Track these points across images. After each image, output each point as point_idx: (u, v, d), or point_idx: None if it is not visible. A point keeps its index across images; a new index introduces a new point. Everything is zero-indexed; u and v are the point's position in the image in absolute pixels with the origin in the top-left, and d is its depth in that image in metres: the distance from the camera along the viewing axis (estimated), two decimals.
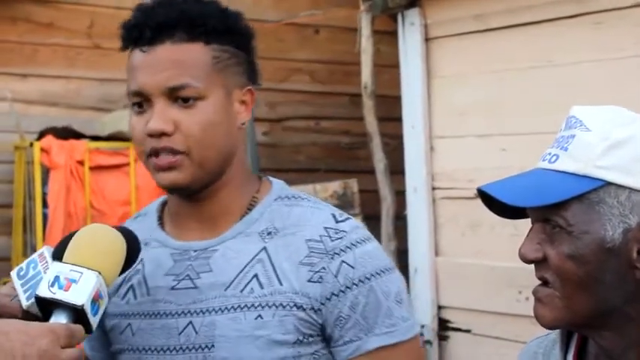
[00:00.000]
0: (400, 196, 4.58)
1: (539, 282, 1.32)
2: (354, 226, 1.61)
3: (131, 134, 1.61)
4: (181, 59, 1.55)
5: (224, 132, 1.58)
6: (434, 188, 4.36)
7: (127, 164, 5.35)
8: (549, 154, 1.30)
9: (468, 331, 4.24)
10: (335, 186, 4.91)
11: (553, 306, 1.27)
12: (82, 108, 5.82)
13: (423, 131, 4.34)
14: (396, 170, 4.63)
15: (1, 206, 5.54)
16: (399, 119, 4.58)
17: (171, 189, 1.59)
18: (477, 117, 4.18)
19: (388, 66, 5.21)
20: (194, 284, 1.59)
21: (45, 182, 5.21)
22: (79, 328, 1.34)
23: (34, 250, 5.16)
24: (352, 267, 1.56)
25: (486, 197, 1.32)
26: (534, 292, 1.30)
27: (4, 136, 5.51)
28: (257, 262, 1.58)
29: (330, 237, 1.58)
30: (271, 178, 1.70)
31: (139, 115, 1.58)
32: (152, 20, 1.56)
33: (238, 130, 1.62)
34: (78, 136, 5.36)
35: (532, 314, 1.31)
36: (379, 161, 4.61)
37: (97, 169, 5.28)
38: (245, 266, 1.58)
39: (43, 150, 5.17)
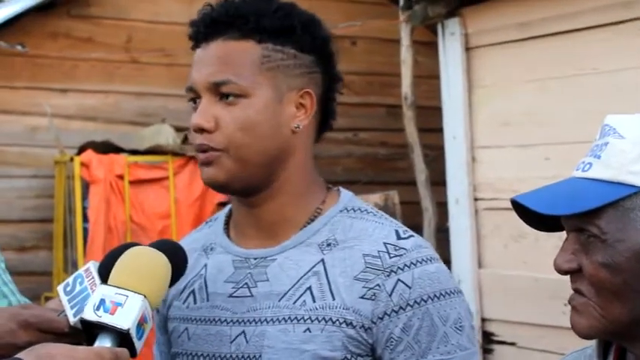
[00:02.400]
0: (442, 207, 4.54)
1: None
2: (417, 244, 1.54)
3: None
4: (227, 55, 1.54)
5: (267, 133, 1.54)
6: (476, 199, 4.31)
7: (166, 178, 5.36)
8: (583, 162, 1.27)
9: (512, 344, 4.18)
10: (376, 198, 4.86)
11: (589, 315, 1.24)
12: (120, 122, 5.85)
13: (464, 142, 4.30)
14: (437, 181, 4.59)
15: (41, 221, 5.58)
16: (437, 130, 4.53)
17: (212, 185, 1.58)
18: (519, 126, 4.13)
19: (426, 77, 5.18)
20: (250, 293, 1.57)
21: (85, 196, 5.24)
22: (124, 351, 1.33)
23: (74, 264, 5.18)
24: (409, 287, 1.50)
25: (520, 209, 1.29)
26: (570, 300, 1.27)
27: (44, 151, 5.55)
28: (313, 274, 1.54)
29: (389, 253, 1.52)
30: (341, 189, 1.66)
31: (194, 112, 1.58)
32: (208, 17, 1.57)
33: (293, 133, 1.57)
34: (117, 150, 5.38)
35: None
36: (420, 172, 4.57)
37: (136, 182, 5.30)
38: (301, 278, 1.55)
39: (82, 164, 5.20)
